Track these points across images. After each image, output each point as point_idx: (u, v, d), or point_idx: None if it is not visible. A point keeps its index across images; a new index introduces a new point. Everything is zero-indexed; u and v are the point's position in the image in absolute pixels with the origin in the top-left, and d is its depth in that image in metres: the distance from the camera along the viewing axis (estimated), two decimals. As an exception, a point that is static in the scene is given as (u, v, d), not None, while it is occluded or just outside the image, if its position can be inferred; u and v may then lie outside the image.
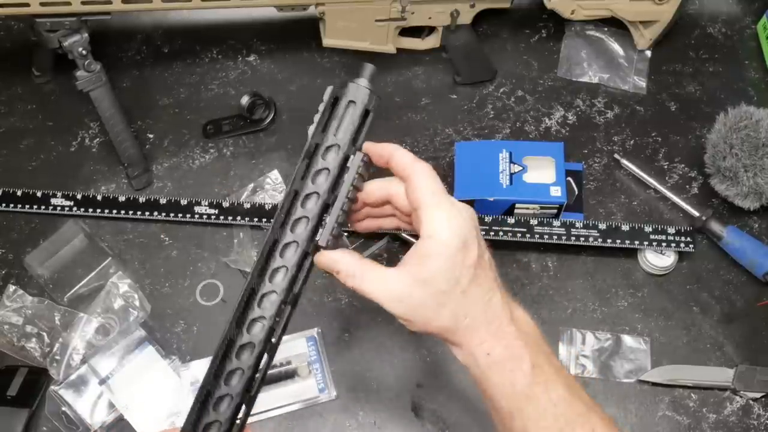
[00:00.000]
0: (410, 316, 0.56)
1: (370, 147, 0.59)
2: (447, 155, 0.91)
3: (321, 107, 0.58)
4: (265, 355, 0.55)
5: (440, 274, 0.55)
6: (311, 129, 0.58)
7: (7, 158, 0.91)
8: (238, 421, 0.54)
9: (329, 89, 0.58)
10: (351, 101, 0.57)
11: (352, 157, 0.57)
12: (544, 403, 0.56)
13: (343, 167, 0.57)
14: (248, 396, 0.54)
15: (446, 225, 0.56)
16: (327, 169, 0.56)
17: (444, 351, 0.80)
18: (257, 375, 0.55)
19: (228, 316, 0.55)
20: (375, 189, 0.60)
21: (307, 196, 0.56)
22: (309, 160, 0.57)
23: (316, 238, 0.56)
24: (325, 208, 0.57)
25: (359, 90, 0.57)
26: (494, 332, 0.57)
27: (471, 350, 0.57)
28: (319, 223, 0.56)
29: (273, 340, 0.56)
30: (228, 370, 0.54)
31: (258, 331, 0.54)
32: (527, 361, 0.56)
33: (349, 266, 0.57)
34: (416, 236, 0.85)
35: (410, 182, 0.58)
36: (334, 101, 0.58)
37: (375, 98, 0.58)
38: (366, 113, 0.58)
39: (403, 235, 0.85)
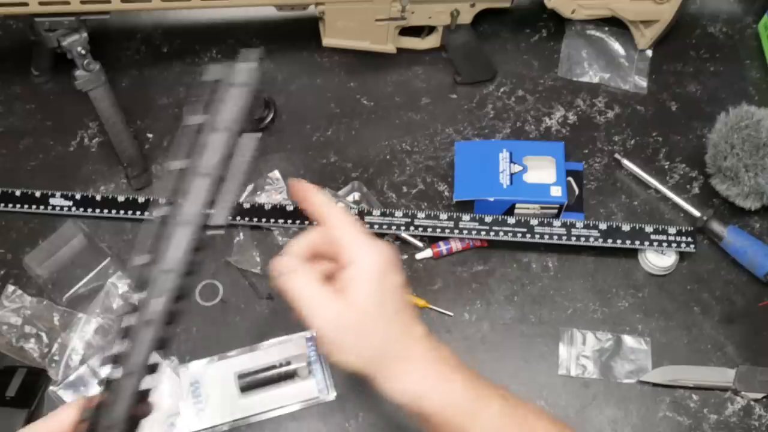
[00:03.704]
0: (342, 337, 0.56)
1: (298, 186, 0.60)
2: (447, 155, 0.91)
3: (206, 88, 0.57)
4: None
5: (369, 297, 0.56)
6: (189, 109, 0.57)
7: (5, 158, 0.91)
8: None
9: (214, 68, 0.57)
10: (238, 83, 0.56)
11: (243, 137, 0.57)
12: (487, 418, 0.56)
13: (233, 148, 0.56)
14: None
15: (368, 251, 0.57)
16: (221, 149, 0.55)
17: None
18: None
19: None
20: (307, 244, 0.60)
21: (201, 175, 0.55)
22: (197, 140, 0.56)
23: (211, 219, 0.55)
24: (218, 187, 0.56)
25: (249, 72, 0.57)
26: (423, 361, 0.57)
27: (403, 381, 0.56)
28: (212, 202, 0.56)
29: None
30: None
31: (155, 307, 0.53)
32: (458, 380, 0.57)
33: (293, 275, 0.57)
34: (415, 236, 0.85)
35: (328, 221, 0.59)
36: (218, 82, 0.57)
37: (257, 80, 0.58)
38: (252, 94, 0.57)
39: (403, 235, 0.85)
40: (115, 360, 0.52)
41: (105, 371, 0.52)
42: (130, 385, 0.52)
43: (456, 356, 0.59)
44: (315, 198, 0.60)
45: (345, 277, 0.57)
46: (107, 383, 0.52)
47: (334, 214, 0.59)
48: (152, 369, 0.53)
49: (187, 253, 0.54)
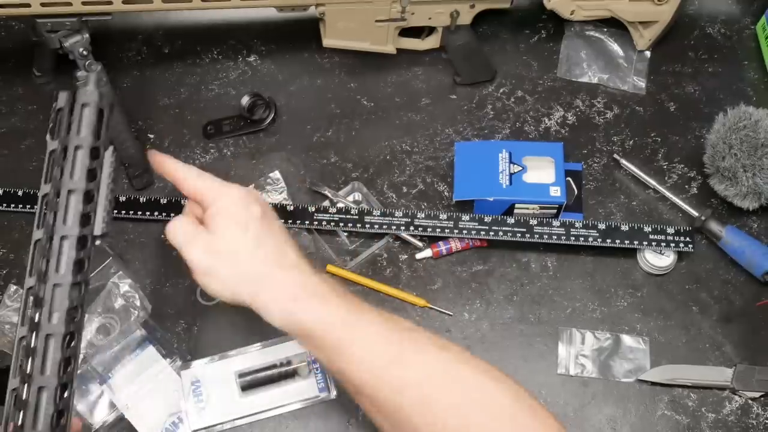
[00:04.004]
0: (211, 264, 0.63)
1: (154, 156, 0.68)
2: (447, 155, 0.91)
3: (56, 114, 0.61)
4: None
5: (230, 226, 0.63)
6: (48, 137, 0.60)
7: (8, 158, 0.92)
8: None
9: (62, 95, 0.61)
10: (84, 103, 0.60)
11: (103, 152, 0.61)
12: (365, 327, 0.59)
13: (97, 164, 0.60)
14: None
15: (224, 190, 0.65)
16: (83, 166, 0.59)
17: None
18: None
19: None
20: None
21: (70, 191, 0.58)
22: (61, 162, 0.59)
23: (94, 231, 0.60)
24: (89, 201, 0.59)
25: (89, 93, 0.61)
26: (296, 279, 0.62)
27: (281, 302, 0.61)
28: (88, 215, 0.59)
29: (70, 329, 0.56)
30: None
31: (56, 322, 0.56)
32: (334, 297, 0.60)
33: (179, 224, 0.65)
34: (414, 236, 0.85)
35: (184, 179, 0.67)
36: (69, 107, 0.61)
37: (104, 98, 0.61)
38: (101, 112, 0.61)
39: (403, 235, 0.85)
40: (24, 379, 0.53)
41: (23, 394, 0.53)
42: (44, 402, 0.53)
43: (331, 281, 0.63)
44: (169, 164, 0.68)
45: (209, 214, 0.64)
46: (20, 405, 0.53)
47: (187, 171, 0.67)
48: (65, 385, 0.54)
49: (72, 265, 0.56)
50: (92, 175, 0.59)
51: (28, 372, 0.54)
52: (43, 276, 0.56)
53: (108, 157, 0.61)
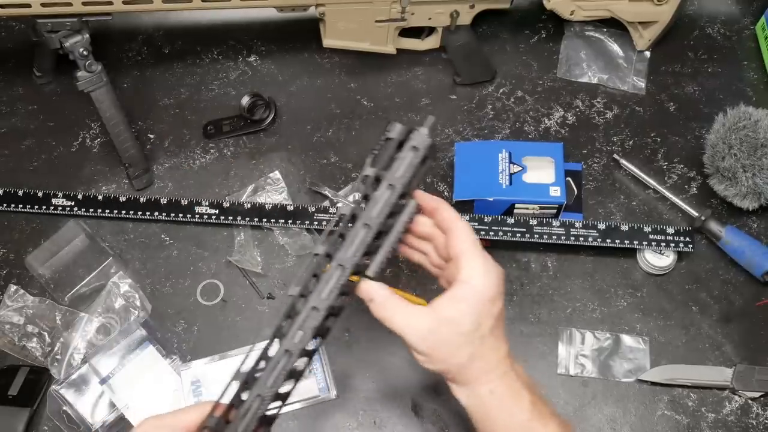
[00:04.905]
0: (431, 351, 0.60)
1: (420, 195, 0.63)
2: (447, 155, 0.91)
3: (385, 143, 0.61)
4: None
5: (467, 317, 0.60)
6: (368, 161, 0.61)
7: (8, 158, 0.92)
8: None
9: (397, 127, 0.60)
10: (414, 147, 0.60)
11: (407, 200, 0.61)
12: None
13: (397, 207, 0.60)
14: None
15: (482, 274, 0.61)
16: (387, 205, 0.59)
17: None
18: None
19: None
20: (425, 223, 0.65)
21: (364, 224, 0.58)
22: (368, 191, 0.60)
23: (367, 270, 0.59)
24: (377, 239, 0.59)
25: (424, 139, 0.60)
26: (500, 375, 0.61)
27: (477, 389, 0.61)
28: (369, 253, 0.59)
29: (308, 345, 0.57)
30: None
31: (298, 339, 0.56)
32: (526, 398, 0.61)
33: (382, 297, 0.60)
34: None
35: (453, 233, 0.62)
36: (399, 143, 0.61)
37: (434, 149, 0.62)
38: (424, 161, 0.61)
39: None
40: (247, 382, 0.54)
41: (237, 389, 0.54)
42: (258, 408, 0.54)
43: (527, 375, 0.63)
44: (446, 211, 0.63)
45: (453, 294, 0.60)
46: (238, 401, 0.54)
47: (461, 228, 0.62)
48: (283, 397, 0.56)
49: (336, 295, 0.57)
50: (391, 216, 0.59)
51: (253, 376, 0.55)
52: (306, 293, 0.57)
53: (409, 207, 0.61)
